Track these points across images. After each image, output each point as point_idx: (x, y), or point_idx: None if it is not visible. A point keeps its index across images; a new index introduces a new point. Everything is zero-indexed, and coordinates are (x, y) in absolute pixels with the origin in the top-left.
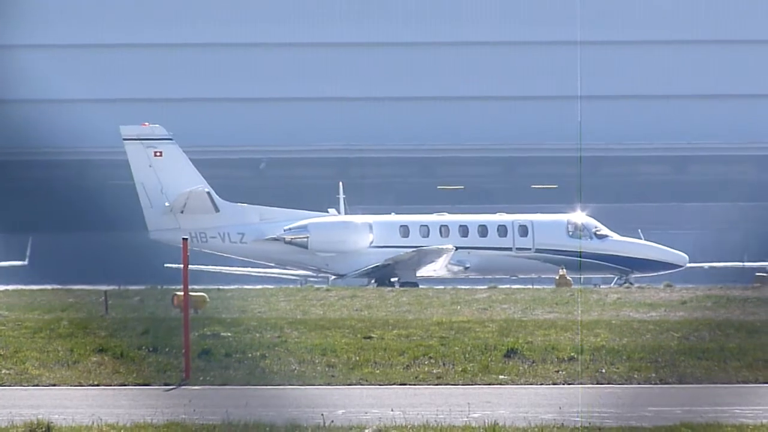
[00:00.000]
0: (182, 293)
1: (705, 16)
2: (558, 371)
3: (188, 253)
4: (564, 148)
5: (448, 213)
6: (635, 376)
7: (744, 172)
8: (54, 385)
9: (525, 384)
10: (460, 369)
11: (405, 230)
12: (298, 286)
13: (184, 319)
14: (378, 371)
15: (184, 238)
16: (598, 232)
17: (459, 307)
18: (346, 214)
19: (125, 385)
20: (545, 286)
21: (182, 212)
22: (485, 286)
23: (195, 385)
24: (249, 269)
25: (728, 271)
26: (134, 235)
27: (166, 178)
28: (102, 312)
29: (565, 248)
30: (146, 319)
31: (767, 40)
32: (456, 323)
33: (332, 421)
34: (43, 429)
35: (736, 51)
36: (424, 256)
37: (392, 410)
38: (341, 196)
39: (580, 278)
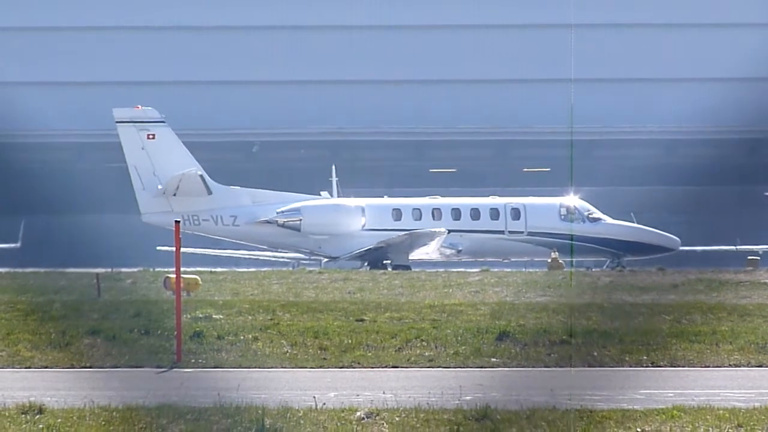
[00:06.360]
0: (174, 276)
1: None
2: (550, 354)
3: (180, 236)
4: (556, 131)
5: (441, 196)
6: (627, 359)
7: (735, 156)
8: (46, 368)
9: (517, 367)
10: (452, 352)
11: (397, 213)
12: (291, 268)
13: (177, 302)
14: (370, 354)
15: (176, 221)
16: (590, 216)
17: (451, 290)
18: (338, 197)
19: (117, 368)
20: (537, 269)
21: (175, 195)
22: (477, 269)
23: (187, 367)
24: (241, 252)
25: (721, 254)
26: (126, 218)
27: (159, 161)
28: (94, 294)
29: (558, 231)
30: (138, 302)
31: (764, 23)
32: (448, 306)
33: (324, 404)
34: (35, 411)
35: (731, 34)
36: (416, 239)
37: (384, 393)
38: (334, 179)
39: (572, 261)
